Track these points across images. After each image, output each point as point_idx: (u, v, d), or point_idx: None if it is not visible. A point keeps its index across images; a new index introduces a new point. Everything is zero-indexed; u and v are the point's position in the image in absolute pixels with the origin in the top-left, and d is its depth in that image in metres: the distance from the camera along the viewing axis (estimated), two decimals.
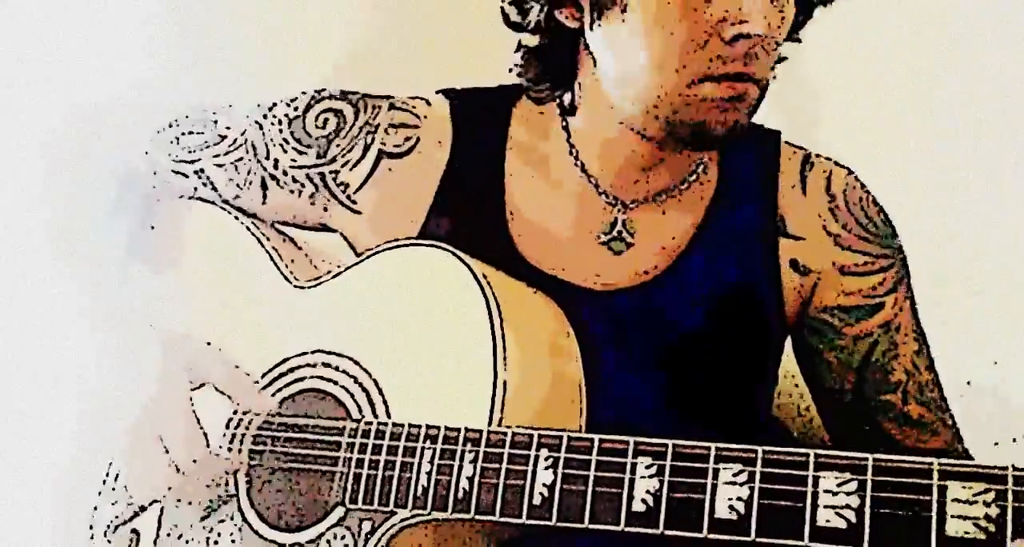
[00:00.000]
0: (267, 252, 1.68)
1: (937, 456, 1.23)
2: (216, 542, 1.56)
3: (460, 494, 1.40)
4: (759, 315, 1.68)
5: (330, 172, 1.70)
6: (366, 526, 1.46)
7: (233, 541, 1.55)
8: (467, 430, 1.42)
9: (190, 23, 2.15)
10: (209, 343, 1.63)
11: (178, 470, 1.55)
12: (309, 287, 1.63)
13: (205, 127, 1.75)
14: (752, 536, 1.26)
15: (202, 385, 1.61)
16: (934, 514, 1.19)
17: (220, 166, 1.73)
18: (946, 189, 2.22)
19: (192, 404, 1.57)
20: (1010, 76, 2.22)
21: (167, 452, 1.55)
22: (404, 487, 1.44)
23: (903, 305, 1.69)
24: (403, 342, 1.53)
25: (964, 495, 1.18)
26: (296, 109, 1.72)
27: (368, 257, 1.59)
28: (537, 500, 1.36)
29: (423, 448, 1.43)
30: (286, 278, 1.65)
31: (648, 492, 1.31)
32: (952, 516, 1.19)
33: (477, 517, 1.40)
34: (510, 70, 1.71)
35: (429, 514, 1.42)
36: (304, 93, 1.73)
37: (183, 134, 1.75)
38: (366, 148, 1.70)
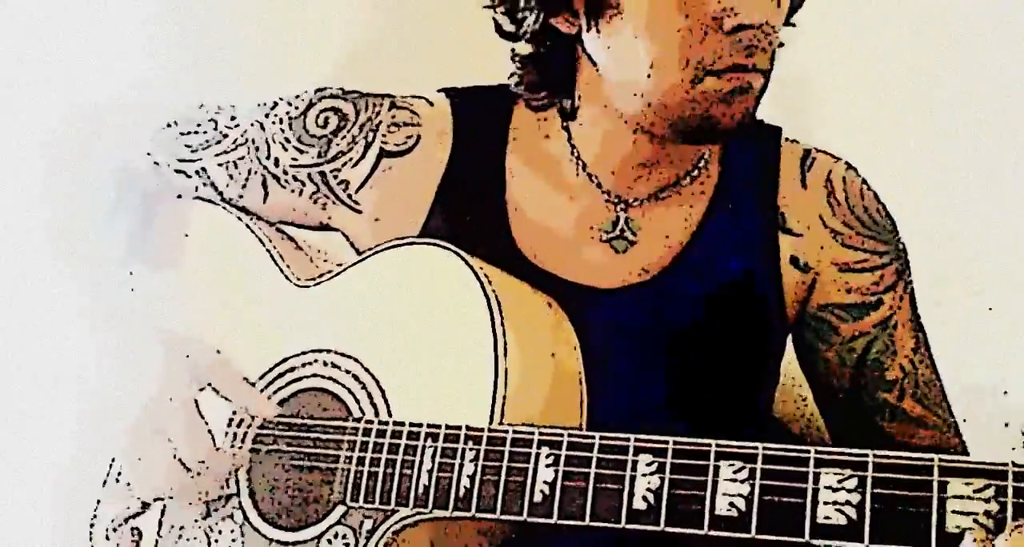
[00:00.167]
0: (268, 251, 1.68)
1: (936, 453, 1.23)
2: (217, 540, 1.56)
3: (461, 492, 1.40)
4: (760, 312, 1.67)
5: (331, 171, 1.70)
6: (367, 524, 1.46)
7: (234, 539, 1.55)
8: (468, 428, 1.42)
9: (190, 23, 2.15)
10: (218, 351, 1.63)
11: (185, 468, 1.55)
12: (310, 286, 1.63)
13: (206, 126, 1.75)
14: (753, 533, 1.26)
15: (205, 387, 1.61)
16: (934, 510, 1.19)
17: (221, 165, 1.73)
18: (946, 189, 2.22)
19: (196, 402, 1.57)
20: (1010, 76, 2.22)
21: (174, 450, 1.55)
22: (405, 485, 1.44)
23: (901, 302, 1.69)
24: (404, 341, 1.53)
25: (964, 491, 1.18)
26: (297, 108, 1.72)
27: (369, 256, 1.59)
28: (538, 498, 1.36)
29: (424, 446, 1.44)
30: (287, 277, 1.65)
31: (649, 489, 1.31)
32: (952, 512, 1.19)
33: (478, 515, 1.40)
34: (509, 78, 1.72)
35: (430, 512, 1.42)
36: (305, 92, 1.73)
37: (184, 133, 1.75)
38: (367, 147, 1.70)
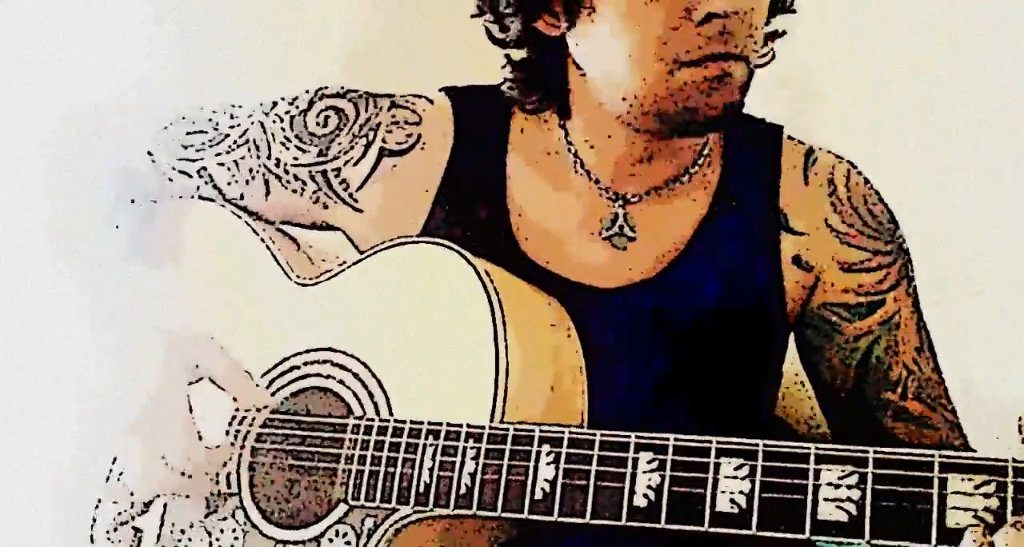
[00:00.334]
0: (269, 250, 1.68)
1: (939, 450, 1.23)
2: (218, 539, 1.56)
3: (462, 490, 1.40)
4: (762, 311, 1.67)
5: (332, 170, 1.70)
6: (368, 523, 1.46)
7: (235, 538, 1.55)
8: (469, 426, 1.42)
9: (190, 23, 2.15)
10: (212, 338, 1.63)
11: (177, 468, 1.55)
12: (311, 285, 1.63)
13: (207, 126, 1.75)
14: (753, 530, 1.26)
15: (200, 379, 1.60)
16: (935, 506, 1.19)
17: (222, 165, 1.73)
18: (946, 189, 2.22)
19: (188, 402, 1.57)
20: (1010, 76, 2.22)
21: (167, 450, 1.55)
22: (406, 484, 1.44)
23: (904, 302, 1.69)
24: (405, 339, 1.53)
25: (964, 487, 1.19)
26: (298, 107, 1.72)
27: (370, 254, 1.59)
28: (539, 495, 1.36)
29: (425, 445, 1.44)
30: (288, 276, 1.65)
31: (649, 487, 1.31)
32: (953, 508, 1.19)
33: (479, 513, 1.40)
34: (502, 84, 1.72)
35: (431, 510, 1.42)
36: (306, 91, 1.73)
37: (185, 133, 1.75)
38: (367, 146, 1.70)
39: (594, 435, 1.36)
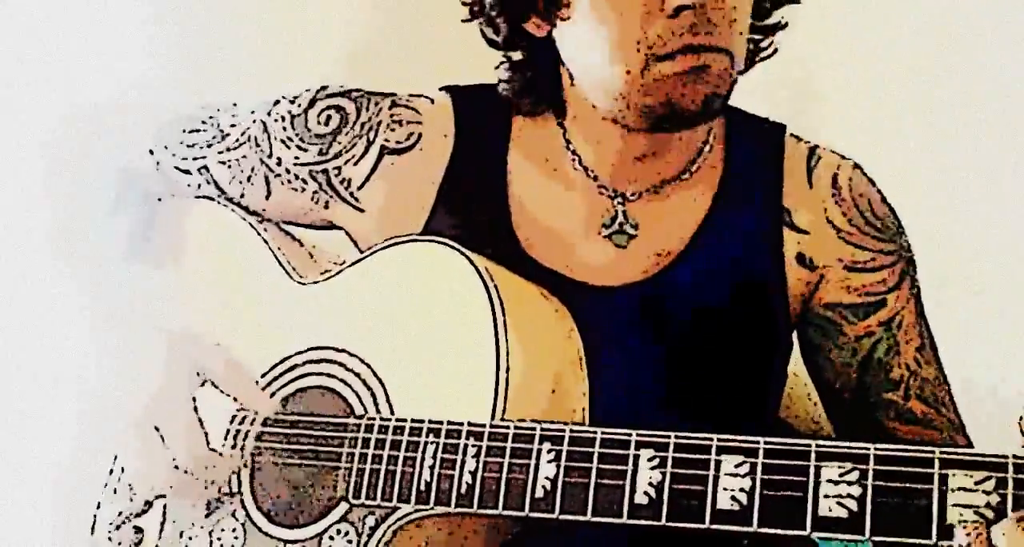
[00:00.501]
0: (270, 249, 1.68)
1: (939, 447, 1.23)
2: (219, 539, 1.56)
3: (463, 488, 1.40)
4: (765, 310, 1.67)
5: (333, 169, 1.70)
6: (370, 521, 1.46)
7: (236, 537, 1.55)
8: (470, 424, 1.42)
9: (190, 23, 2.16)
10: (213, 339, 1.63)
11: (178, 468, 1.55)
12: (312, 284, 1.63)
13: (208, 125, 1.75)
14: (754, 527, 1.26)
15: (205, 383, 1.60)
16: (935, 502, 1.19)
17: (223, 164, 1.73)
18: (947, 189, 2.22)
19: (194, 402, 1.57)
20: (1010, 77, 2.22)
21: (173, 448, 1.55)
22: (407, 482, 1.43)
23: (906, 302, 1.68)
24: (406, 338, 1.53)
25: (965, 483, 1.18)
26: (299, 106, 1.72)
27: (371, 253, 1.59)
28: (540, 493, 1.36)
29: (426, 443, 1.43)
30: (289, 275, 1.65)
31: (650, 484, 1.31)
32: (953, 505, 1.19)
33: (480, 511, 1.39)
34: (498, 85, 1.72)
35: (432, 509, 1.42)
36: (307, 90, 1.73)
37: (186, 132, 1.75)
38: (368, 144, 1.70)
39: (595, 433, 1.36)
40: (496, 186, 1.69)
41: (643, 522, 1.31)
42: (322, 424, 1.53)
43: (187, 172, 1.75)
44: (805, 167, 1.69)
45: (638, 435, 1.34)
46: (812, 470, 1.25)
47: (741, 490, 1.27)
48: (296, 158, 1.71)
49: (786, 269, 1.67)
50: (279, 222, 1.76)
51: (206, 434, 1.56)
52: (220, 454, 1.56)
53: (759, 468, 1.27)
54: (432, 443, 1.43)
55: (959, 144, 2.22)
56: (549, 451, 1.37)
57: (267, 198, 1.73)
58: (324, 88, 1.73)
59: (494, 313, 1.47)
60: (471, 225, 1.66)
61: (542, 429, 1.38)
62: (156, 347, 1.61)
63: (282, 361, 1.60)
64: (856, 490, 1.22)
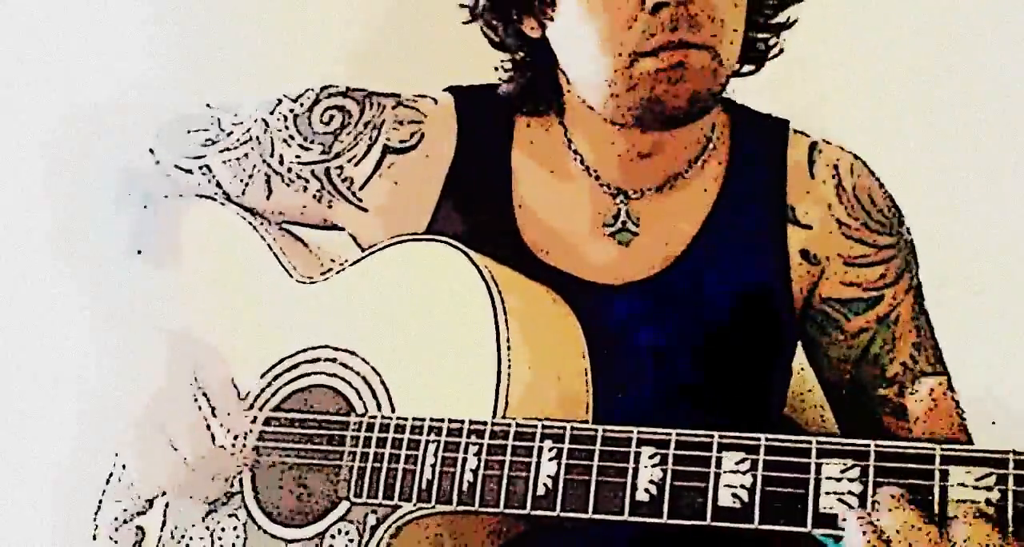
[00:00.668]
0: (271, 248, 1.68)
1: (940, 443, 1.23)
2: (220, 538, 1.56)
3: (464, 486, 1.40)
4: (769, 305, 1.67)
5: (335, 168, 1.70)
6: (371, 520, 1.46)
7: (237, 537, 1.55)
8: (471, 422, 1.42)
9: (190, 23, 2.16)
10: (217, 350, 1.62)
11: (185, 465, 1.55)
12: (314, 283, 1.63)
13: (210, 124, 1.75)
14: (756, 524, 1.26)
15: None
16: (936, 498, 1.19)
17: (225, 163, 1.73)
18: (947, 189, 2.22)
19: (197, 399, 1.57)
20: (1010, 77, 2.23)
21: (175, 447, 1.54)
22: (408, 480, 1.43)
23: (903, 297, 1.68)
24: (407, 336, 1.52)
25: (966, 480, 1.18)
26: (301, 105, 1.72)
27: (373, 252, 1.59)
28: (541, 491, 1.36)
29: (427, 441, 1.43)
30: (290, 274, 1.65)
31: (651, 481, 1.31)
32: (954, 500, 1.19)
33: (481, 509, 1.39)
34: (500, 89, 1.73)
35: (433, 507, 1.42)
36: (310, 90, 1.73)
37: (188, 131, 1.75)
38: (371, 144, 1.70)
39: (596, 430, 1.36)
40: (499, 185, 1.69)
41: (644, 519, 1.31)
42: (323, 423, 1.53)
43: (188, 171, 1.75)
44: (807, 161, 1.69)
45: (639, 432, 1.33)
46: (813, 467, 1.25)
47: (742, 487, 1.27)
48: (298, 157, 1.71)
49: (790, 265, 1.67)
50: (281, 222, 1.76)
51: (210, 431, 1.56)
52: (220, 453, 1.56)
53: (760, 465, 1.27)
54: (433, 441, 1.43)
55: (959, 144, 2.23)
56: (550, 449, 1.37)
57: (268, 197, 1.73)
58: (327, 87, 1.73)
59: (495, 311, 1.47)
60: (474, 225, 1.66)
61: (543, 427, 1.38)
62: (156, 347, 1.61)
63: (283, 360, 1.60)
64: (857, 487, 1.22)
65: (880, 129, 2.18)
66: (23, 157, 1.82)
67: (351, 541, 1.46)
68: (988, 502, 1.17)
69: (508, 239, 1.66)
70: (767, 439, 1.28)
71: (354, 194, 1.70)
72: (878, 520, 1.21)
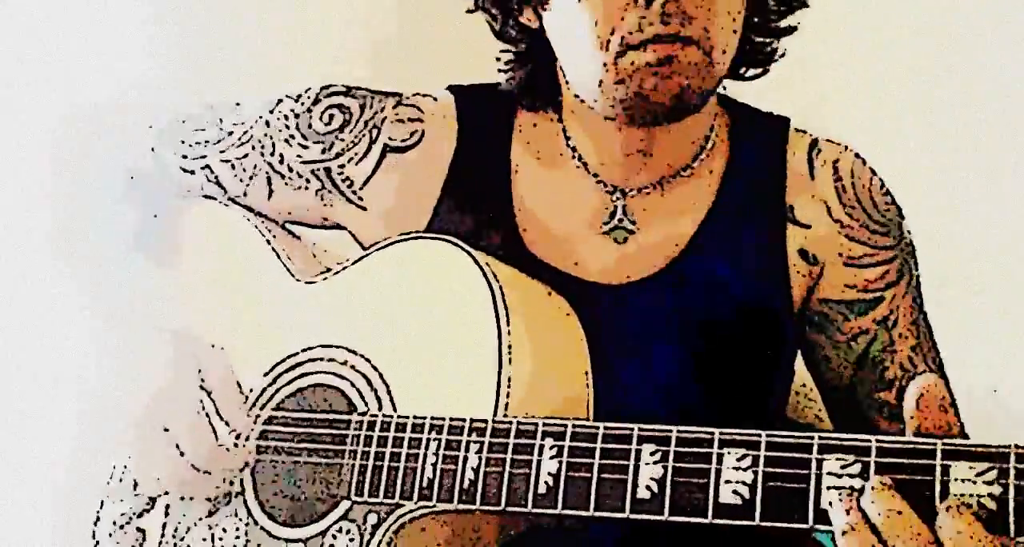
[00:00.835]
0: (272, 248, 1.68)
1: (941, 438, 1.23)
2: (222, 538, 1.55)
3: (465, 485, 1.40)
4: (769, 305, 1.66)
5: (336, 167, 1.70)
6: (372, 519, 1.45)
7: (238, 537, 1.54)
8: (472, 421, 1.41)
9: (190, 23, 2.16)
10: (221, 348, 1.62)
11: (187, 463, 1.54)
12: (315, 282, 1.63)
13: (210, 124, 1.75)
14: (757, 520, 1.25)
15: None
16: (937, 494, 1.18)
17: (226, 162, 1.73)
18: (947, 189, 2.22)
19: (201, 399, 1.56)
20: (1010, 77, 2.23)
21: (176, 447, 1.54)
22: (409, 479, 1.43)
23: (903, 299, 1.67)
24: (408, 335, 1.52)
25: (967, 474, 1.18)
26: (302, 104, 1.72)
27: (374, 251, 1.59)
28: (542, 489, 1.36)
29: (428, 440, 1.43)
30: (291, 274, 1.65)
31: (653, 479, 1.31)
32: (955, 495, 1.18)
33: (482, 508, 1.39)
34: (503, 83, 1.73)
35: (434, 506, 1.42)
36: (310, 89, 1.73)
37: (189, 131, 1.75)
38: (371, 143, 1.70)
39: (597, 428, 1.35)
40: (499, 184, 1.69)
41: (646, 517, 1.31)
42: (324, 422, 1.53)
43: (189, 171, 1.75)
44: (807, 160, 1.68)
45: (640, 429, 1.33)
46: (814, 463, 1.24)
47: (743, 484, 1.27)
48: (299, 156, 1.71)
49: (789, 263, 1.66)
50: (283, 221, 1.76)
51: (213, 430, 1.55)
52: (222, 452, 1.56)
53: (761, 461, 1.27)
54: (434, 440, 1.43)
55: (959, 144, 2.23)
56: (551, 447, 1.37)
57: (270, 197, 1.73)
58: (327, 86, 1.73)
59: (496, 310, 1.47)
60: (475, 223, 1.66)
61: (544, 425, 1.38)
62: (157, 346, 1.60)
63: (285, 359, 1.60)
64: (858, 483, 1.22)
65: (880, 129, 2.18)
66: (23, 157, 1.82)
67: (352, 540, 1.46)
68: (990, 496, 1.17)
69: (508, 237, 1.66)
70: (768, 435, 1.27)
71: (355, 193, 1.70)
72: (863, 501, 1.20)
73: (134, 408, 1.56)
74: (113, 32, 2.09)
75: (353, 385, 1.53)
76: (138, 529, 1.62)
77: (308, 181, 1.71)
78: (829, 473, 1.23)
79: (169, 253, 1.72)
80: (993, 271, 2.24)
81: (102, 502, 1.65)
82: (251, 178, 1.73)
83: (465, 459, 1.40)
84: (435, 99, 1.75)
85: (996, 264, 2.24)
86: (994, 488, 1.17)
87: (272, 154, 1.71)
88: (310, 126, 1.71)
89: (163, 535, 1.60)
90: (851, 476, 1.23)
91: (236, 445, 1.56)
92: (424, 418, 1.44)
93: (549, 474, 1.36)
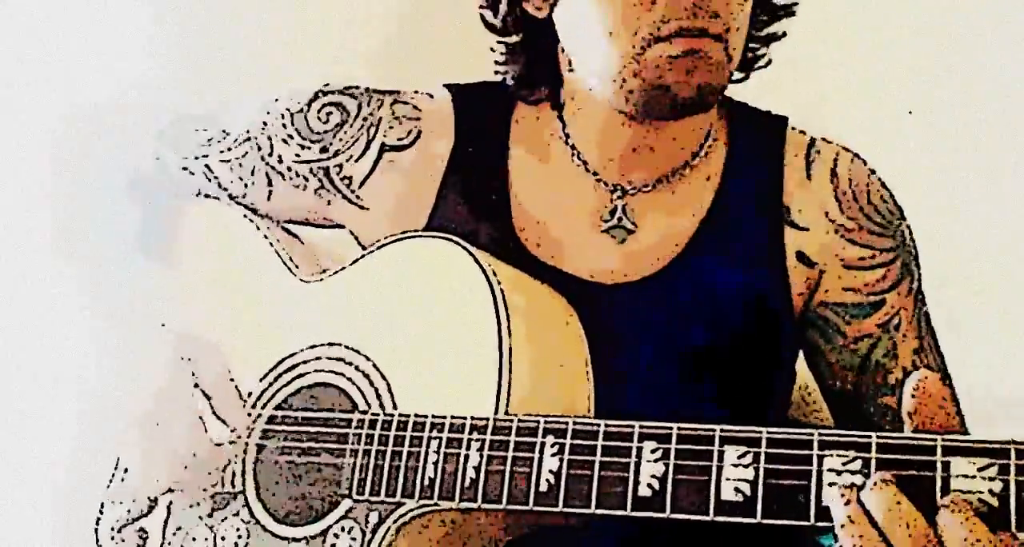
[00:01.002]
0: (273, 247, 1.68)
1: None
2: (223, 538, 1.55)
3: (467, 483, 1.40)
4: (767, 307, 1.65)
5: (334, 166, 1.70)
6: (373, 517, 1.45)
7: (240, 536, 1.54)
8: (473, 419, 1.41)
9: (190, 23, 2.16)
10: (215, 345, 1.61)
11: (178, 467, 1.54)
12: (315, 281, 1.63)
13: (210, 124, 1.75)
14: (758, 518, 1.25)
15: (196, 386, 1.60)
16: (938, 490, 1.18)
17: (225, 162, 1.73)
18: (947, 189, 2.22)
19: (195, 398, 1.56)
20: (1010, 77, 2.23)
21: (175, 447, 1.54)
22: (411, 477, 1.43)
23: (905, 302, 1.66)
24: (409, 334, 1.52)
25: (967, 470, 1.18)
26: (299, 104, 1.72)
27: (374, 249, 1.59)
28: (544, 487, 1.36)
29: (429, 438, 1.43)
30: (292, 273, 1.65)
31: (654, 476, 1.31)
32: (956, 491, 1.18)
33: (484, 506, 1.39)
34: (497, 72, 1.72)
35: (436, 504, 1.41)
36: (308, 88, 1.73)
37: (188, 131, 1.75)
38: (369, 142, 1.70)
39: (598, 425, 1.35)
40: (496, 182, 1.69)
41: (647, 514, 1.31)
42: (326, 421, 1.53)
43: (189, 171, 1.75)
44: (804, 160, 1.68)
45: (641, 427, 1.33)
46: (815, 459, 1.24)
47: (744, 481, 1.27)
48: (297, 155, 1.70)
49: (787, 266, 1.65)
50: (283, 221, 1.76)
51: (206, 429, 1.55)
52: (220, 451, 1.55)
53: (762, 458, 1.27)
54: (435, 438, 1.43)
55: (959, 144, 2.23)
56: (552, 444, 1.37)
57: (269, 197, 1.73)
58: (325, 86, 1.73)
59: (497, 308, 1.47)
60: (472, 222, 1.66)
61: (545, 423, 1.38)
62: (157, 346, 1.60)
63: (286, 358, 1.60)
64: (859, 479, 1.22)
65: (880, 129, 2.18)
66: (24, 157, 1.82)
67: (354, 539, 1.46)
68: (990, 492, 1.17)
69: (505, 236, 1.66)
70: (768, 432, 1.27)
71: (353, 192, 1.70)
72: (863, 495, 1.20)
73: (134, 408, 1.56)
74: (113, 32, 2.09)
75: (354, 384, 1.53)
76: (140, 529, 1.61)
77: (307, 180, 1.71)
78: (830, 470, 1.23)
79: (169, 253, 1.72)
80: (993, 271, 2.24)
81: (103, 503, 1.65)
82: (251, 178, 1.73)
83: (466, 457, 1.40)
84: (432, 97, 1.74)
85: (996, 264, 2.24)
86: (995, 484, 1.17)
87: (271, 154, 1.71)
88: (308, 125, 1.71)
89: (164, 535, 1.60)
90: (852, 473, 1.22)
91: (233, 443, 1.55)
92: (425, 417, 1.44)
93: (550, 472, 1.36)
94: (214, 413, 1.55)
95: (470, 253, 1.51)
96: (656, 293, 1.64)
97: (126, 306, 1.68)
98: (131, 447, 1.58)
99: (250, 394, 1.60)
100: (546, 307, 1.57)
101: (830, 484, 1.23)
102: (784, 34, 1.68)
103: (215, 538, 1.56)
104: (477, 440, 1.40)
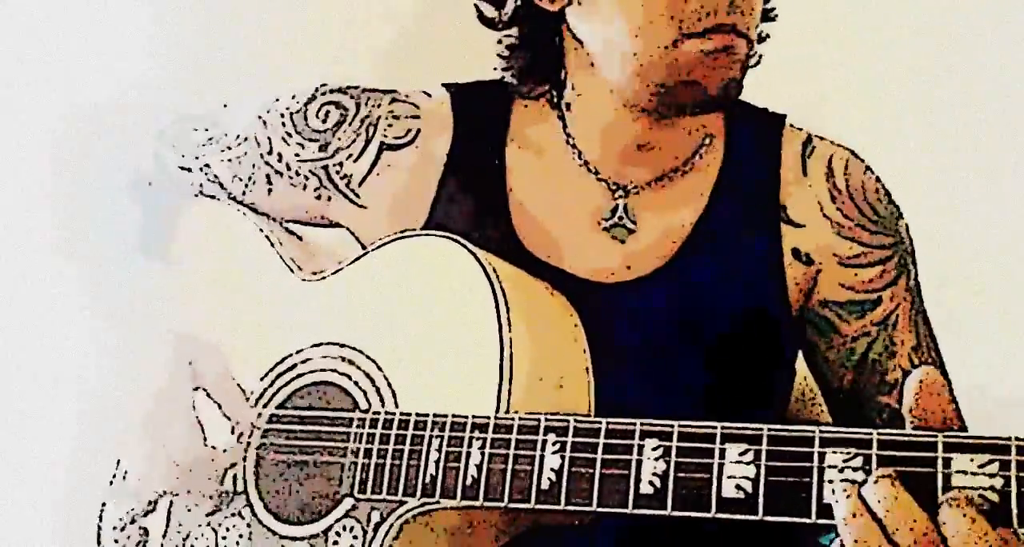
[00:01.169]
0: (273, 247, 1.68)
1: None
2: (225, 537, 1.55)
3: (468, 481, 1.39)
4: (765, 304, 1.65)
5: (333, 165, 1.70)
6: (375, 516, 1.45)
7: (241, 535, 1.54)
8: (474, 417, 1.41)
9: (190, 23, 2.16)
10: (214, 343, 1.61)
11: (179, 466, 1.54)
12: (316, 280, 1.63)
13: (209, 124, 1.75)
14: (760, 515, 1.25)
15: (197, 388, 1.60)
16: (939, 486, 1.18)
17: (225, 161, 1.73)
18: (947, 189, 2.22)
19: (193, 399, 1.56)
20: (1010, 77, 2.23)
21: (168, 447, 1.54)
22: (412, 476, 1.43)
23: (902, 299, 1.66)
24: (410, 332, 1.52)
25: (968, 467, 1.18)
26: (298, 103, 1.72)
27: (375, 248, 1.59)
28: (545, 485, 1.35)
29: (431, 436, 1.43)
30: (292, 272, 1.65)
31: (655, 474, 1.31)
32: (957, 488, 1.18)
33: (486, 504, 1.39)
34: (497, 68, 1.72)
35: (437, 502, 1.41)
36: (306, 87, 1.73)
37: (188, 131, 1.75)
38: (367, 141, 1.70)
39: (599, 423, 1.35)
40: (495, 181, 1.69)
41: (648, 511, 1.31)
42: (326, 420, 1.53)
43: (189, 171, 1.75)
44: (800, 158, 1.68)
45: (642, 425, 1.33)
46: (816, 456, 1.24)
47: (746, 478, 1.27)
48: (296, 155, 1.71)
49: (784, 263, 1.65)
50: (283, 220, 1.76)
51: (203, 430, 1.55)
52: (218, 451, 1.55)
53: (763, 455, 1.26)
54: (437, 437, 1.43)
55: (959, 144, 2.23)
56: (554, 443, 1.37)
57: (269, 196, 1.73)
58: (323, 85, 1.73)
59: (497, 307, 1.47)
60: (470, 221, 1.66)
61: (546, 421, 1.38)
62: (158, 346, 1.60)
63: (286, 357, 1.60)
64: (860, 476, 1.22)
65: (879, 128, 2.18)
66: (24, 157, 1.82)
67: (355, 538, 1.46)
68: (991, 489, 1.17)
69: (504, 235, 1.66)
70: (770, 429, 1.27)
71: (352, 191, 1.70)
72: (864, 490, 1.20)
73: (134, 408, 1.56)
74: (113, 32, 2.09)
75: (355, 383, 1.53)
76: (141, 528, 1.61)
77: (307, 179, 1.71)
78: (831, 467, 1.23)
79: (169, 253, 1.72)
80: (993, 271, 2.24)
81: (104, 503, 1.65)
82: (250, 178, 1.73)
83: (468, 456, 1.40)
84: (430, 96, 1.74)
85: (996, 264, 2.24)
86: (996, 480, 1.17)
87: (270, 153, 1.71)
88: (306, 124, 1.71)
89: (166, 534, 1.60)
90: (853, 469, 1.22)
91: (234, 443, 1.56)
92: (427, 415, 1.44)
93: (552, 470, 1.36)
94: (222, 413, 1.55)
95: (470, 251, 1.51)
96: (656, 291, 1.64)
97: (126, 306, 1.68)
98: (131, 447, 1.59)
99: (251, 393, 1.60)
100: (547, 305, 1.57)
101: (831, 481, 1.23)
102: (768, 36, 1.68)
103: (216, 537, 1.56)
104: (478, 439, 1.40)
